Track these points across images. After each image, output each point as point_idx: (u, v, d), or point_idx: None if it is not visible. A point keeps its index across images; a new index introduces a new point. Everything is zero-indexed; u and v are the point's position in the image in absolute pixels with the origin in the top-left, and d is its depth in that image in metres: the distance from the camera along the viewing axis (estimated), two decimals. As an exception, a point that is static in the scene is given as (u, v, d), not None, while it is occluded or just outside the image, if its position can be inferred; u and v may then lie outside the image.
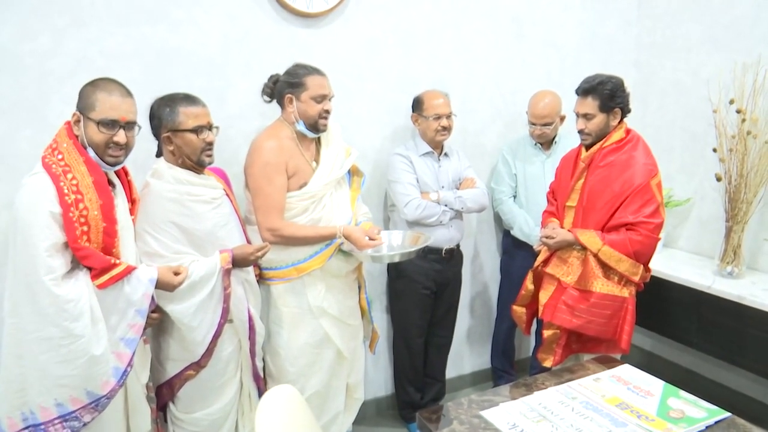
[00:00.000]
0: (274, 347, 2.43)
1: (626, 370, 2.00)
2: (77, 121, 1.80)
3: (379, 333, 2.83)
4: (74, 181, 1.73)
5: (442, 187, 2.92)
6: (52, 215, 1.69)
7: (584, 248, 2.40)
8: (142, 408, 2.00)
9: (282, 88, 2.38)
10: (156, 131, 2.11)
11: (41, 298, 1.67)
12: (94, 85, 1.81)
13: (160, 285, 1.91)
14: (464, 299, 3.35)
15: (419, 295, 2.94)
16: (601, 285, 2.34)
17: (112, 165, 1.85)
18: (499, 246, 3.49)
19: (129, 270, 1.82)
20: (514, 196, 3.25)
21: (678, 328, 3.13)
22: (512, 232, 3.21)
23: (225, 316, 2.11)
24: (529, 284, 2.64)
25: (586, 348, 2.50)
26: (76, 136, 1.80)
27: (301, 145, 2.41)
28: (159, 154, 2.16)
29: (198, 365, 2.11)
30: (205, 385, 2.16)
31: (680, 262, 3.30)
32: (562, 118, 3.12)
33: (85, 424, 1.76)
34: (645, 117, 3.65)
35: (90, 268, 1.77)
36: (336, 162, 2.47)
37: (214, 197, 2.14)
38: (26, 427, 1.73)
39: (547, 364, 2.49)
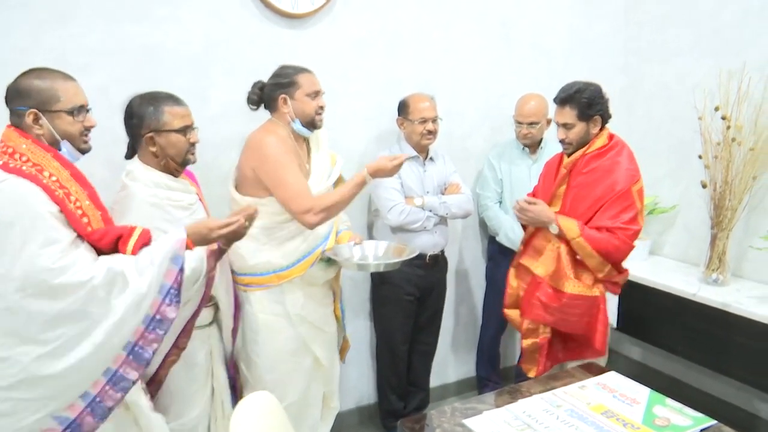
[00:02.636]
0: (249, 354, 2.41)
1: (612, 378, 2.01)
2: (36, 120, 1.68)
3: (351, 342, 2.83)
4: (53, 178, 1.64)
5: (427, 192, 2.93)
6: (52, 215, 1.59)
7: (559, 238, 2.40)
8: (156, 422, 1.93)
9: (272, 90, 2.37)
10: (134, 131, 2.05)
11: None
12: (39, 77, 1.69)
13: (194, 236, 1.83)
14: (449, 306, 3.35)
15: (403, 301, 2.94)
16: (572, 286, 2.37)
17: (86, 152, 1.80)
18: (485, 252, 3.50)
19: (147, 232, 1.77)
20: (500, 202, 3.26)
21: (663, 335, 3.16)
22: (498, 239, 3.22)
23: (206, 299, 2.07)
24: (512, 281, 2.63)
25: (571, 355, 2.51)
26: (36, 135, 1.69)
27: (297, 146, 2.41)
28: (130, 156, 2.12)
29: (177, 347, 2.04)
30: (178, 393, 2.13)
31: (666, 269, 3.32)
32: (549, 122, 3.14)
33: (133, 382, 1.69)
34: (631, 122, 3.68)
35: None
36: (325, 169, 2.47)
37: (190, 203, 2.13)
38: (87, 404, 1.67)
39: (532, 374, 2.50)
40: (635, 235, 2.37)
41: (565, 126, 2.43)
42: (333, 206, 2.29)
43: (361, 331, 3.23)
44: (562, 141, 2.48)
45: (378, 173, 2.32)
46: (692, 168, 3.17)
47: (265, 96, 2.40)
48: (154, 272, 1.69)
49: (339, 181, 2.58)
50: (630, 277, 2.67)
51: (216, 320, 2.28)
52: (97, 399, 1.65)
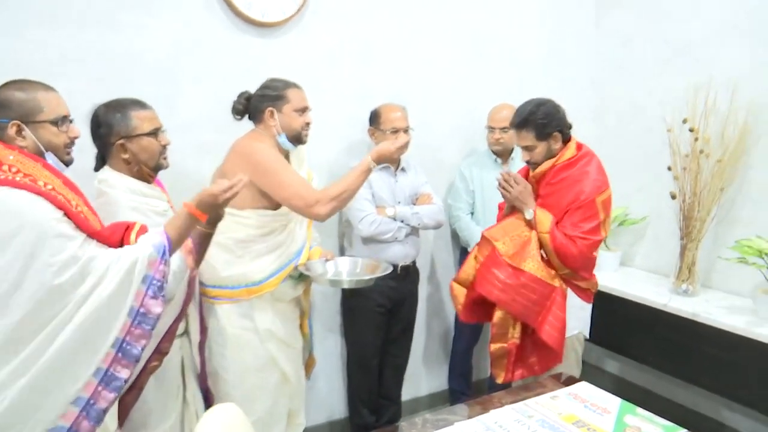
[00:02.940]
0: (216, 369, 2.37)
1: (583, 388, 2.00)
2: (19, 131, 1.64)
3: (321, 355, 2.85)
4: (49, 186, 1.58)
5: (399, 202, 2.93)
6: (58, 221, 1.54)
7: (531, 227, 2.40)
8: None
9: (259, 102, 2.36)
10: (104, 140, 2.02)
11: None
12: (19, 89, 1.66)
13: (202, 207, 1.79)
14: (420, 318, 3.34)
15: (373, 313, 2.92)
16: (534, 266, 2.33)
17: (69, 164, 1.76)
18: (456, 263, 3.49)
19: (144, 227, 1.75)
20: (472, 213, 3.27)
21: (634, 346, 3.17)
22: (469, 249, 3.19)
23: (189, 300, 2.04)
24: (472, 259, 2.53)
25: (540, 363, 2.48)
26: (20, 147, 1.65)
27: None
28: (99, 166, 2.08)
29: (160, 352, 2.00)
30: (151, 407, 2.08)
31: (637, 280, 3.35)
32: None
33: (125, 381, 1.64)
34: (602, 134, 3.72)
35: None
36: None
37: (165, 209, 2.10)
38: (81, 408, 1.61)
39: (500, 380, 2.47)
40: (595, 245, 2.37)
41: (527, 148, 2.44)
42: (341, 194, 2.26)
43: (331, 343, 3.20)
44: (527, 162, 2.49)
45: (381, 158, 2.31)
46: (662, 180, 3.21)
47: (251, 107, 2.39)
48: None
49: None
50: (601, 288, 2.68)
51: (186, 331, 2.25)
52: (91, 401, 1.60)
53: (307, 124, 2.39)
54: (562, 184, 2.41)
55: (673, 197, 3.09)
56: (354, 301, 2.96)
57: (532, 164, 2.47)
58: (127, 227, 1.72)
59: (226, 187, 1.81)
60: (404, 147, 2.35)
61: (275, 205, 2.35)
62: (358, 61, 3.02)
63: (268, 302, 2.39)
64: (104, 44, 2.38)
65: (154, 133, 2.03)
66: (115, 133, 1.99)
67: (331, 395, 3.24)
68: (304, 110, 2.38)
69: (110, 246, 1.67)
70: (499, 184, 2.49)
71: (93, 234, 1.63)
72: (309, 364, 2.74)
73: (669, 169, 3.13)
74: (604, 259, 3.41)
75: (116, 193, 1.98)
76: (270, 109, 2.34)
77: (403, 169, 2.99)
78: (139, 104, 2.05)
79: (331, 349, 3.20)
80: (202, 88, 2.59)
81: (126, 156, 2.01)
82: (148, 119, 2.03)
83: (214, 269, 2.31)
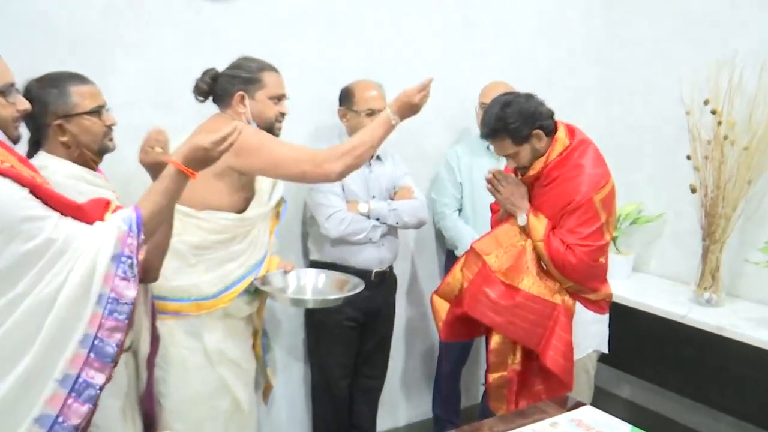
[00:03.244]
0: (156, 397, 2.31)
1: (588, 413, 1.99)
2: None
3: (280, 377, 2.86)
4: (6, 164, 1.56)
5: (373, 197, 2.91)
6: (25, 198, 1.53)
7: (526, 234, 2.39)
8: None
9: (229, 83, 2.34)
10: (38, 120, 1.97)
11: None
12: None
13: (192, 164, 1.74)
14: (398, 334, 3.33)
15: (342, 327, 2.90)
16: (530, 283, 2.33)
17: (17, 140, 1.75)
18: (442, 269, 3.48)
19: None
20: (460, 210, 3.25)
21: (649, 365, 3.17)
22: (457, 253, 3.18)
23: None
24: (457, 272, 2.54)
25: (548, 392, 2.45)
26: None
27: None
28: (33, 152, 2.03)
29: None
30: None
31: (651, 288, 3.35)
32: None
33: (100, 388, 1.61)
34: (610, 119, 3.73)
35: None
36: (267, 188, 2.47)
37: (113, 200, 2.04)
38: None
39: (500, 413, 2.45)
40: (597, 251, 2.34)
41: (509, 156, 2.42)
42: (354, 149, 2.21)
43: (292, 364, 3.18)
44: (515, 170, 2.48)
45: (404, 107, 2.25)
46: (680, 171, 3.20)
47: (218, 88, 2.36)
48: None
49: (280, 203, 2.57)
50: (610, 297, 2.66)
51: (132, 345, 2.17)
52: (60, 419, 1.54)
53: (282, 114, 2.40)
54: (555, 186, 2.39)
55: (693, 191, 3.08)
56: (319, 314, 2.92)
57: (521, 169, 2.46)
58: (106, 204, 1.72)
59: (218, 138, 1.76)
60: (428, 91, 2.29)
61: (240, 207, 2.34)
62: (325, 31, 2.99)
63: (220, 319, 2.37)
64: (18, 6, 2.31)
65: (98, 111, 2.00)
66: (51, 111, 1.95)
67: (292, 425, 3.22)
68: (280, 98, 2.38)
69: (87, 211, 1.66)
70: (488, 184, 2.47)
71: (61, 205, 1.60)
72: (266, 388, 2.72)
73: (688, 158, 3.12)
74: (614, 264, 3.35)
75: (58, 180, 1.92)
76: (241, 93, 2.32)
77: (378, 159, 2.96)
78: (78, 78, 2.01)
79: (292, 369, 3.18)
80: (142, 61, 2.54)
81: (65, 138, 1.97)
82: (89, 95, 1.99)
83: (162, 277, 2.24)
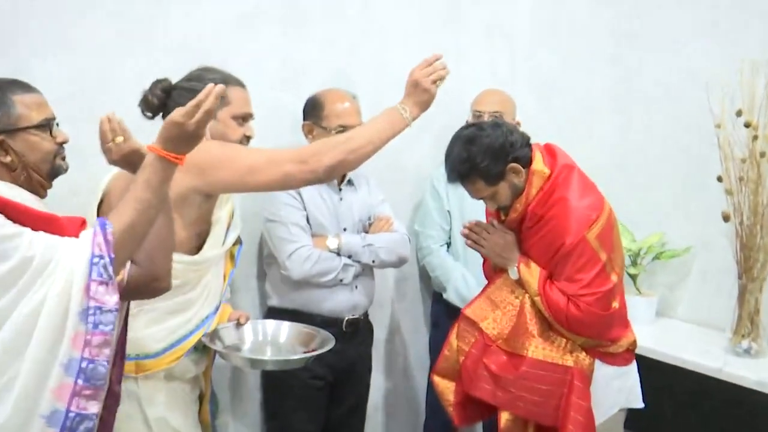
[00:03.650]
0: None
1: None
2: None
3: None
4: None
5: (344, 229, 2.92)
6: None
7: (522, 288, 2.41)
8: None
9: (184, 98, 2.24)
10: None
11: None
12: None
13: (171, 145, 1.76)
14: (376, 394, 3.33)
15: (308, 388, 2.89)
16: (535, 348, 2.34)
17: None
18: (427, 317, 3.50)
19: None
20: (448, 244, 3.26)
21: (679, 427, 3.16)
22: (445, 296, 3.21)
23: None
24: (453, 340, 2.56)
25: None
26: None
27: None
28: None
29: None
30: None
31: (679, 336, 3.37)
32: (518, 124, 3.14)
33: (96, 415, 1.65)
34: (625, 132, 3.74)
35: None
36: (223, 228, 2.48)
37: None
38: None
39: None
40: (607, 296, 2.36)
41: (486, 198, 2.47)
42: (348, 141, 2.24)
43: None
44: (497, 211, 2.52)
45: (413, 96, 2.33)
46: (710, 194, 3.22)
47: (171, 103, 2.33)
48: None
49: (237, 243, 2.60)
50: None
51: None
52: None
53: (248, 138, 2.42)
54: (540, 225, 2.42)
55: (726, 219, 3.09)
56: (280, 372, 2.88)
57: (503, 209, 2.49)
58: (83, 222, 1.77)
59: (190, 108, 1.76)
60: (435, 68, 2.35)
61: (192, 245, 2.35)
62: (284, 28, 3.01)
63: (162, 381, 2.37)
64: None
65: (46, 125, 1.97)
66: None
67: None
68: (245, 118, 2.40)
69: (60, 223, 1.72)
70: (466, 239, 2.52)
71: (42, 220, 1.67)
72: None
73: (719, 179, 3.14)
74: (635, 307, 3.37)
75: None
76: None
77: (350, 183, 2.98)
78: (21, 86, 1.98)
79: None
80: (57, 63, 2.53)
81: (7, 159, 1.92)
82: (36, 106, 1.96)
83: None
